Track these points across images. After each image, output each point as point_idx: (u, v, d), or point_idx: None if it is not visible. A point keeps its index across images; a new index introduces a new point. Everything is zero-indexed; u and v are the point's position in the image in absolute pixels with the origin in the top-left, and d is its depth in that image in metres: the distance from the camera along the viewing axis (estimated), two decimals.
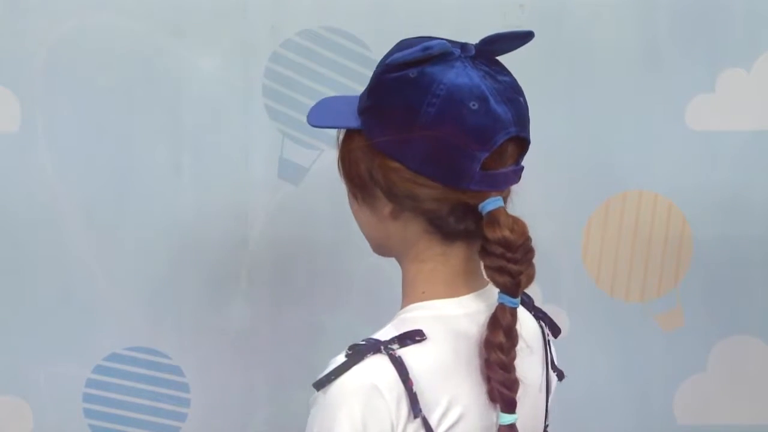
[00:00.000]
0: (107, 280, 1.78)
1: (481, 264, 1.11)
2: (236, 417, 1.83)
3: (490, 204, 1.09)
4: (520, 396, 1.10)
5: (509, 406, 1.09)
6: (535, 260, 1.11)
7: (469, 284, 1.14)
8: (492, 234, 1.07)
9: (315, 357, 1.10)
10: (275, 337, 1.81)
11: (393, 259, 1.19)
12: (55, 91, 1.74)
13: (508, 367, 1.08)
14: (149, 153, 1.77)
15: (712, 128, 1.82)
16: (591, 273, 1.84)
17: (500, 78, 1.10)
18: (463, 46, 1.11)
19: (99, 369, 1.80)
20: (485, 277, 1.12)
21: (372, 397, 1.04)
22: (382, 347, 1.07)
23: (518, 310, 1.10)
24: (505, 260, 1.07)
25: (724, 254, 1.84)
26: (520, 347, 1.09)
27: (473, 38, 1.14)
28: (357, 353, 1.06)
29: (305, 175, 1.79)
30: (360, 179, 1.14)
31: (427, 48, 1.08)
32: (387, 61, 1.11)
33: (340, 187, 1.19)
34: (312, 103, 1.23)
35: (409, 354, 1.07)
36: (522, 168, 1.14)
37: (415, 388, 1.05)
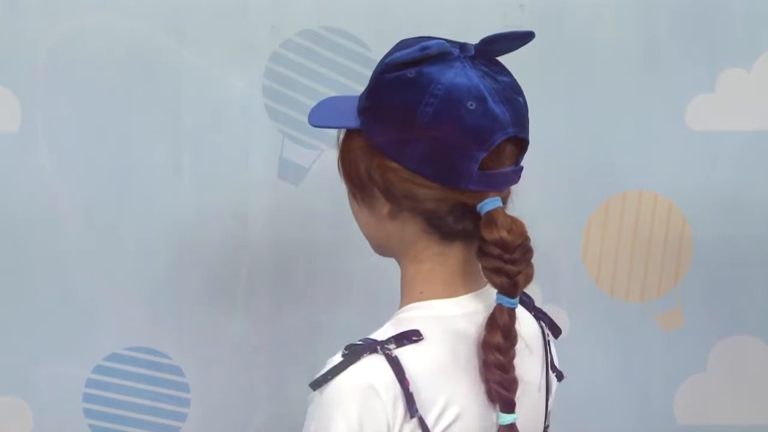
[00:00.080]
0: (107, 280, 1.78)
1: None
2: (236, 417, 1.83)
3: (489, 204, 1.09)
4: (520, 396, 1.10)
5: (508, 406, 1.09)
6: (535, 260, 1.10)
7: (467, 284, 1.14)
8: (489, 235, 1.07)
9: (315, 357, 1.10)
10: (275, 337, 1.81)
11: (393, 259, 1.19)
12: (55, 91, 1.74)
13: (506, 368, 1.08)
14: (149, 153, 1.77)
15: (712, 128, 1.82)
16: (591, 273, 1.84)
17: (499, 78, 1.10)
18: (462, 46, 1.11)
19: (99, 369, 1.80)
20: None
21: (368, 397, 1.04)
22: (378, 347, 1.07)
23: (518, 310, 1.10)
24: (503, 261, 1.07)
25: (724, 254, 1.84)
26: (520, 347, 1.09)
27: (473, 38, 1.14)
28: (353, 353, 1.06)
29: (305, 175, 1.79)
30: (359, 179, 1.14)
31: (425, 48, 1.08)
32: (386, 61, 1.11)
33: (340, 187, 1.19)
34: (312, 103, 1.23)
35: (405, 354, 1.07)
36: (521, 168, 1.13)
37: (411, 388, 1.05)
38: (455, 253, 1.13)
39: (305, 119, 1.20)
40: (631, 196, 1.83)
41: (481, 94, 1.07)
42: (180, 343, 1.81)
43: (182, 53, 1.75)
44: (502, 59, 1.14)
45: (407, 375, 1.06)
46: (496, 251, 1.07)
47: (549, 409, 1.25)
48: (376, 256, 1.22)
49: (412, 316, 1.12)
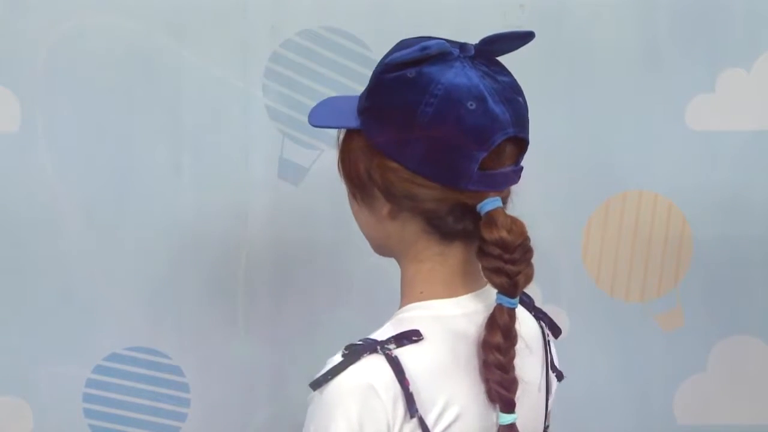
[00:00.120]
0: (107, 280, 1.78)
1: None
2: (236, 417, 1.83)
3: (489, 204, 1.09)
4: (519, 396, 1.10)
5: (508, 406, 1.09)
6: (535, 260, 1.11)
7: (467, 284, 1.14)
8: (489, 235, 1.07)
9: (315, 357, 1.10)
10: (275, 337, 1.81)
11: (393, 260, 1.19)
12: (55, 91, 1.74)
13: (506, 368, 1.08)
14: (149, 153, 1.77)
15: (712, 128, 1.82)
16: (591, 273, 1.84)
17: (499, 78, 1.10)
18: (462, 46, 1.11)
19: (99, 369, 1.80)
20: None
21: (368, 397, 1.04)
22: (378, 347, 1.07)
23: (518, 310, 1.10)
24: (502, 261, 1.07)
25: (724, 254, 1.84)
26: (520, 347, 1.09)
27: (473, 38, 1.14)
28: (353, 353, 1.06)
29: (305, 175, 1.79)
30: (359, 179, 1.14)
31: (424, 48, 1.08)
32: (386, 61, 1.11)
33: (340, 187, 1.19)
34: (312, 103, 1.23)
35: (405, 354, 1.07)
36: (521, 168, 1.13)
37: (411, 388, 1.05)
38: (455, 253, 1.13)
39: (305, 119, 1.20)
40: (631, 196, 1.83)
41: (481, 94, 1.07)
42: (180, 343, 1.81)
43: (182, 53, 1.75)
44: (502, 59, 1.14)
45: (407, 375, 1.06)
46: (496, 251, 1.07)
47: (549, 409, 1.25)
48: (376, 256, 1.22)
49: (412, 316, 1.12)
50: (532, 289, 1.16)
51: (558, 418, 1.33)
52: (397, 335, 1.08)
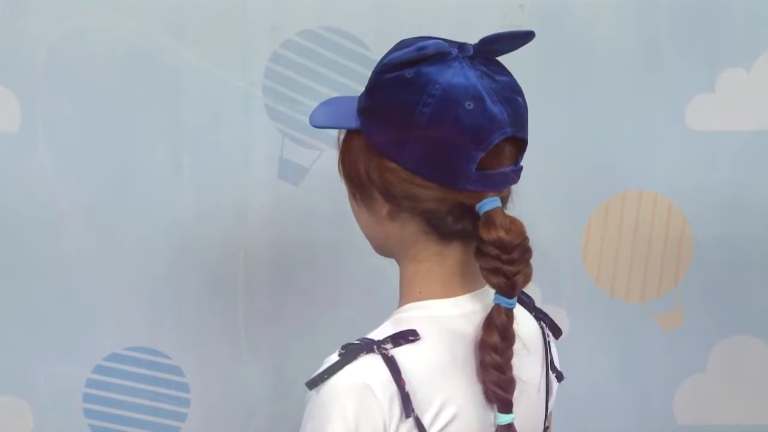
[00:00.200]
0: (107, 280, 1.78)
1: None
2: (236, 417, 1.83)
3: (487, 204, 1.09)
4: (517, 396, 1.10)
5: (505, 406, 1.09)
6: (535, 260, 1.10)
7: (466, 285, 1.14)
8: (487, 235, 1.07)
9: (315, 357, 1.10)
10: (275, 337, 1.81)
11: (393, 260, 1.19)
12: (55, 91, 1.74)
13: (503, 368, 1.08)
14: (149, 153, 1.77)
15: (712, 128, 1.82)
16: (591, 273, 1.84)
17: (498, 78, 1.10)
18: (461, 46, 1.11)
19: (99, 369, 1.80)
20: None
21: (364, 397, 1.04)
22: (375, 347, 1.07)
23: (517, 310, 1.10)
24: (500, 261, 1.07)
25: (724, 254, 1.84)
26: (517, 347, 1.09)
27: (473, 38, 1.14)
28: (350, 352, 1.06)
29: (305, 175, 1.79)
30: (358, 179, 1.14)
31: (422, 48, 1.08)
32: (384, 61, 1.11)
33: (340, 187, 1.19)
34: (312, 103, 1.23)
35: (402, 354, 1.07)
36: (521, 168, 1.13)
37: (407, 388, 1.05)
38: (453, 253, 1.13)
39: (305, 119, 1.20)
40: (631, 196, 1.83)
41: (479, 94, 1.07)
42: (180, 343, 1.81)
43: (182, 53, 1.75)
44: (502, 59, 1.14)
45: (403, 375, 1.06)
46: (494, 251, 1.07)
47: (549, 409, 1.25)
48: (376, 256, 1.22)
49: (410, 316, 1.12)
50: (531, 289, 1.16)
51: (558, 418, 1.33)
52: (394, 335, 1.08)
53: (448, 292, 1.13)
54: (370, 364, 1.06)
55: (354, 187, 1.16)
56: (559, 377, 1.25)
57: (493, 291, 1.09)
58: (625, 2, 1.79)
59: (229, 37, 1.76)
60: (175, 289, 1.79)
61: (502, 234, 1.07)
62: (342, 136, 1.18)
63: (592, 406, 1.86)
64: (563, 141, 1.80)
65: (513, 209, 1.13)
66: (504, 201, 1.12)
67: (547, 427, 1.25)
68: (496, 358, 1.07)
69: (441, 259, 1.13)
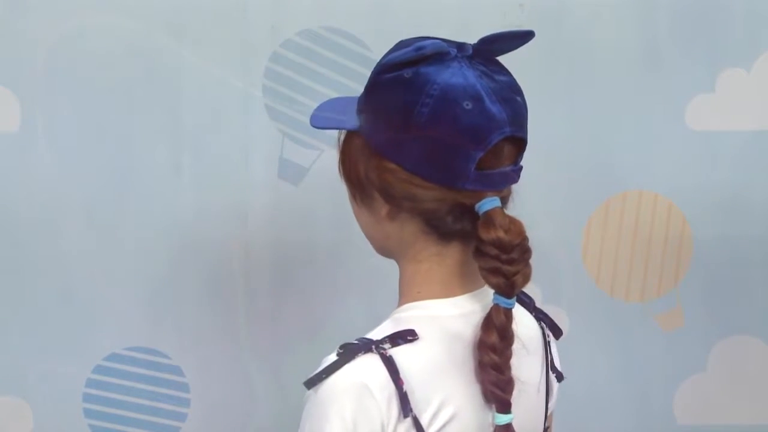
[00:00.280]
0: (107, 280, 1.78)
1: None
2: (236, 417, 1.83)
3: (487, 204, 1.09)
4: (516, 396, 1.10)
5: (504, 407, 1.09)
6: (535, 260, 1.10)
7: (465, 285, 1.14)
8: (486, 235, 1.07)
9: (315, 357, 1.10)
10: (275, 337, 1.81)
11: (393, 260, 1.19)
12: (55, 91, 1.74)
13: (502, 368, 1.08)
14: (149, 153, 1.77)
15: (712, 128, 1.82)
16: (591, 273, 1.84)
17: (497, 77, 1.10)
18: (460, 46, 1.11)
19: (99, 369, 1.80)
20: None
21: (362, 397, 1.04)
22: (373, 346, 1.07)
23: (516, 310, 1.10)
24: (499, 261, 1.07)
25: (724, 254, 1.84)
26: (516, 347, 1.09)
27: (473, 38, 1.14)
28: (348, 352, 1.06)
29: (305, 175, 1.79)
30: (358, 180, 1.14)
31: (420, 48, 1.08)
32: (383, 62, 1.11)
33: (340, 188, 1.19)
34: (312, 103, 1.23)
35: (400, 353, 1.07)
36: (520, 168, 1.13)
37: (405, 388, 1.05)
38: (452, 253, 1.13)
39: (305, 119, 1.20)
40: (631, 196, 1.83)
41: (478, 94, 1.07)
42: (180, 343, 1.81)
43: (182, 53, 1.75)
44: (502, 59, 1.14)
45: (401, 375, 1.06)
46: (493, 251, 1.07)
47: (550, 410, 1.25)
48: (376, 256, 1.22)
49: (409, 315, 1.12)
50: (531, 289, 1.16)
51: (558, 418, 1.33)
52: (393, 335, 1.08)
53: (447, 292, 1.13)
54: (368, 364, 1.06)
55: (354, 187, 1.16)
56: (559, 377, 1.25)
57: (492, 291, 1.09)
58: (625, 2, 1.79)
59: (229, 37, 1.76)
60: (175, 289, 1.79)
61: (501, 234, 1.07)
62: (342, 137, 1.18)
63: (592, 406, 1.86)
64: (563, 141, 1.80)
65: (513, 209, 1.13)
66: (504, 201, 1.12)
67: (548, 428, 1.25)
68: (495, 358, 1.07)
69: (440, 259, 1.13)
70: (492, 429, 1.10)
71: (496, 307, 1.08)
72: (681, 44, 1.80)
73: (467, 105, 1.06)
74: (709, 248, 1.84)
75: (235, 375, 1.82)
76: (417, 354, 1.08)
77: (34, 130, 1.75)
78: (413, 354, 1.08)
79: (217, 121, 1.77)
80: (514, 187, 1.14)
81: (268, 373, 1.82)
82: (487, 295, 1.12)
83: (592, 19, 1.79)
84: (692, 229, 1.84)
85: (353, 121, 1.14)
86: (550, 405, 1.24)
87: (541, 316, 1.24)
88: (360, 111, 1.14)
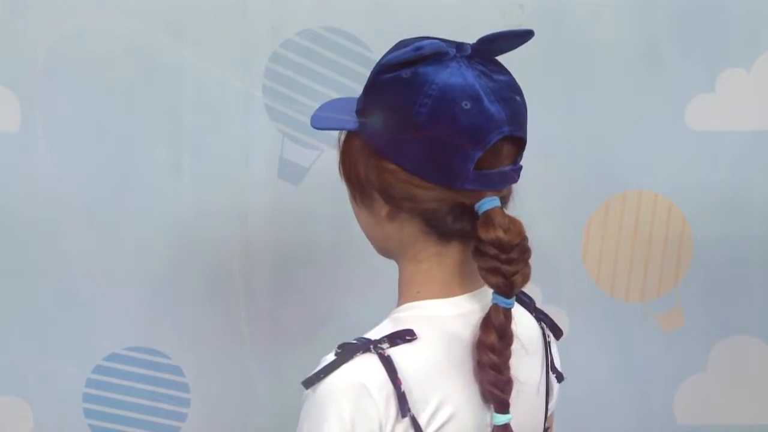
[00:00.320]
0: (107, 280, 1.78)
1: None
2: (236, 417, 1.83)
3: (486, 204, 1.09)
4: (515, 396, 1.09)
5: (502, 407, 1.09)
6: (535, 260, 1.10)
7: (464, 285, 1.14)
8: (485, 234, 1.07)
9: (315, 357, 1.10)
10: (275, 337, 1.81)
11: (393, 260, 1.19)
12: (55, 91, 1.74)
13: (500, 368, 1.08)
14: (149, 153, 1.77)
15: (712, 128, 1.82)
16: (591, 273, 1.84)
17: (496, 77, 1.10)
18: (459, 46, 1.11)
19: (99, 369, 1.80)
20: None
21: (360, 396, 1.04)
22: (371, 346, 1.07)
23: (516, 310, 1.10)
24: (499, 261, 1.07)
25: (724, 254, 1.84)
26: (515, 348, 1.09)
27: (473, 38, 1.14)
28: (346, 352, 1.06)
29: (305, 175, 1.79)
30: (358, 181, 1.14)
31: (418, 48, 1.08)
32: (381, 62, 1.11)
33: (340, 188, 1.19)
34: (312, 103, 1.23)
35: (398, 353, 1.07)
36: (520, 167, 1.13)
37: (403, 388, 1.05)
38: (452, 253, 1.13)
39: (305, 119, 1.20)
40: (631, 196, 1.83)
41: (476, 94, 1.07)
42: (180, 343, 1.81)
43: (182, 53, 1.75)
44: (502, 59, 1.14)
45: (399, 374, 1.06)
46: (493, 251, 1.07)
47: (550, 410, 1.25)
48: (376, 256, 1.22)
49: (408, 315, 1.12)
50: (531, 290, 1.16)
51: (558, 418, 1.33)
52: (391, 334, 1.08)
53: (446, 292, 1.13)
54: (367, 364, 1.06)
55: (354, 188, 1.16)
56: (560, 378, 1.25)
57: (491, 291, 1.09)
58: (625, 2, 1.79)
59: (229, 37, 1.76)
60: (175, 289, 1.79)
61: (500, 234, 1.07)
62: (342, 137, 1.18)
63: (592, 406, 1.86)
64: (563, 141, 1.80)
65: (513, 209, 1.13)
66: (504, 201, 1.12)
67: (548, 428, 1.25)
68: (494, 358, 1.07)
69: (440, 259, 1.13)
70: (490, 429, 1.10)
71: (495, 307, 1.08)
72: (681, 44, 1.80)
73: (466, 105, 1.06)
74: (709, 248, 1.84)
75: (235, 375, 1.82)
76: (415, 354, 1.08)
77: (34, 130, 1.75)
78: (412, 354, 1.08)
79: (217, 121, 1.77)
80: (514, 186, 1.14)
81: (268, 373, 1.82)
82: (487, 296, 1.12)
83: (592, 19, 1.79)
84: (692, 229, 1.84)
85: (352, 121, 1.14)
86: (550, 405, 1.24)
87: (541, 317, 1.24)
88: (359, 112, 1.14)
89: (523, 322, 1.17)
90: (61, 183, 1.76)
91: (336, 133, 1.19)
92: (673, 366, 1.87)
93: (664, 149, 1.82)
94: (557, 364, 1.25)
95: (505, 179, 1.11)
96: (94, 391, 1.80)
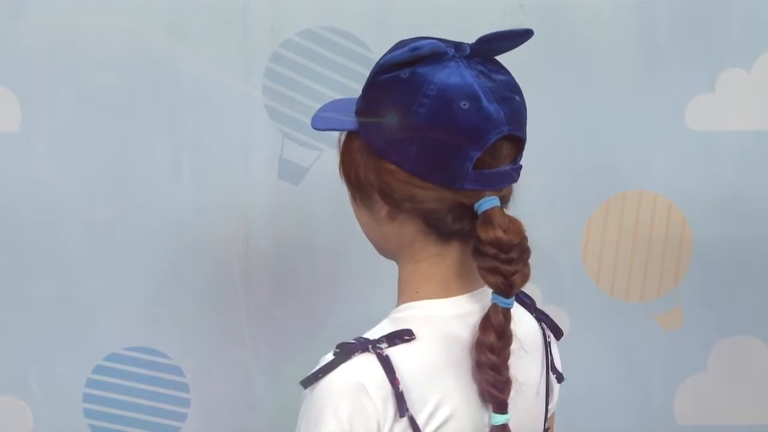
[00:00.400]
0: (107, 280, 1.78)
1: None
2: (236, 417, 1.83)
3: (486, 203, 1.08)
4: (514, 396, 1.09)
5: (500, 407, 1.08)
6: (535, 260, 1.10)
7: (463, 285, 1.14)
8: (485, 234, 1.07)
9: (314, 357, 1.10)
10: (275, 337, 1.81)
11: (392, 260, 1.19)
12: (55, 91, 1.75)
13: (499, 368, 1.08)
14: (149, 153, 1.77)
15: (712, 128, 1.82)
16: (591, 273, 1.84)
17: (495, 77, 1.10)
18: (458, 46, 1.11)
19: (99, 369, 1.80)
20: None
21: (359, 396, 1.04)
22: (370, 346, 1.07)
23: (516, 310, 1.10)
24: (498, 261, 1.07)
25: (724, 254, 1.84)
26: (514, 348, 1.09)
27: (473, 38, 1.14)
28: (345, 352, 1.06)
29: (305, 175, 1.79)
30: (358, 181, 1.14)
31: (416, 48, 1.07)
32: (380, 63, 1.11)
33: (340, 188, 1.19)
34: (312, 103, 1.23)
35: (397, 353, 1.07)
36: (520, 167, 1.13)
37: (401, 388, 1.05)
38: (451, 253, 1.13)
39: (305, 119, 1.20)
40: (631, 196, 1.83)
41: (475, 93, 1.07)
42: (180, 343, 1.81)
43: (182, 53, 1.75)
44: (502, 58, 1.14)
45: (398, 374, 1.05)
46: (492, 251, 1.07)
47: (550, 411, 1.24)
48: (376, 256, 1.22)
49: (407, 315, 1.12)
50: (531, 290, 1.16)
51: (558, 419, 1.33)
52: (389, 334, 1.08)
53: (445, 292, 1.13)
54: (365, 364, 1.06)
55: (354, 188, 1.16)
56: (560, 378, 1.25)
57: (491, 292, 1.09)
58: (625, 2, 1.79)
59: (229, 37, 1.76)
60: (175, 289, 1.79)
61: (500, 233, 1.07)
62: (342, 138, 1.18)
63: (592, 406, 1.86)
64: (563, 141, 1.80)
65: (513, 209, 1.13)
66: (504, 200, 1.11)
67: (548, 428, 1.25)
68: (493, 358, 1.07)
69: (440, 259, 1.13)
70: (488, 429, 1.10)
71: (494, 307, 1.08)
72: (681, 44, 1.80)
73: (464, 105, 1.06)
74: (709, 248, 1.84)
75: (235, 375, 1.82)
76: (414, 354, 1.08)
77: (34, 130, 1.75)
78: (410, 354, 1.07)
79: (217, 121, 1.77)
80: (514, 186, 1.14)
81: (268, 373, 1.82)
82: (486, 296, 1.11)
83: (592, 19, 1.79)
84: (692, 229, 1.84)
85: (353, 122, 1.14)
86: (550, 406, 1.24)
87: (541, 317, 1.24)
88: (358, 112, 1.14)
89: (522, 322, 1.17)
90: (61, 183, 1.76)
91: (336, 133, 1.19)
92: (673, 366, 1.87)
93: (664, 149, 1.82)
94: (557, 364, 1.25)
95: (504, 179, 1.11)
96: (94, 391, 1.80)
